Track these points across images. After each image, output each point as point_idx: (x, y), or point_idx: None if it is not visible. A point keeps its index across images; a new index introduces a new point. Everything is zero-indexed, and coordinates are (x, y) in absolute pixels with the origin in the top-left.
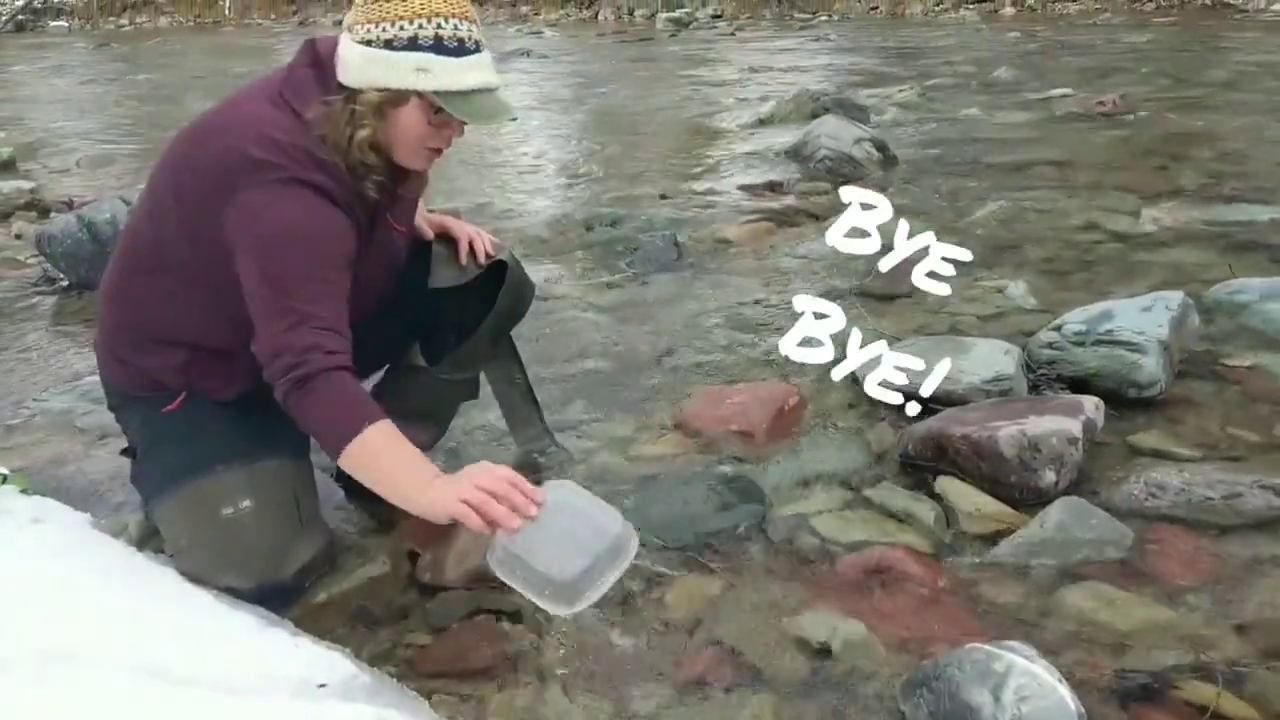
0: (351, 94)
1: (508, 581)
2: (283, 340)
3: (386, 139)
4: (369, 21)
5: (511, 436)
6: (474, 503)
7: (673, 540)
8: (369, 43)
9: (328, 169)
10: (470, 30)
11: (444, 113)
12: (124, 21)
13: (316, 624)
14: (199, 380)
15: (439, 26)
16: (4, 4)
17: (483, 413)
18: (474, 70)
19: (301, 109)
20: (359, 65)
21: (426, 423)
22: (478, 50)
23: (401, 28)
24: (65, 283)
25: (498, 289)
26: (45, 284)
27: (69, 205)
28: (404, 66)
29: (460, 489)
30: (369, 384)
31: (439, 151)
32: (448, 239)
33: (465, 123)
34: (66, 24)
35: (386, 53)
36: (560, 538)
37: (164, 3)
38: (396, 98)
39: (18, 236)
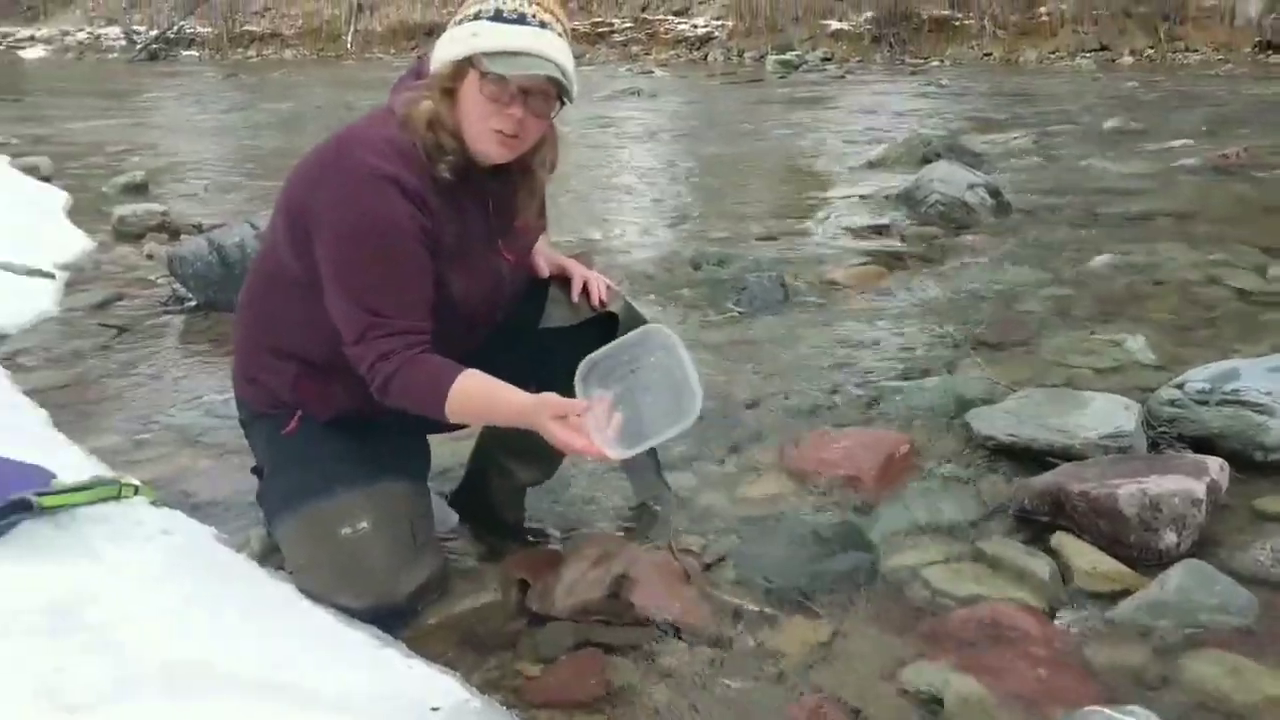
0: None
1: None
2: (357, 352)
3: (455, 121)
4: (456, 18)
5: (628, 480)
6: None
7: (780, 583)
8: (447, 29)
9: (406, 155)
10: (538, 11)
11: (493, 78)
12: (251, 53)
13: (427, 647)
14: (305, 397)
15: (504, 2)
16: (138, 34)
17: None
18: (525, 36)
19: (394, 103)
20: (437, 51)
21: (538, 461)
22: (542, 27)
23: (472, 7)
24: (194, 303)
25: (611, 335)
26: (174, 303)
27: (198, 229)
28: (461, 35)
29: (559, 439)
30: None
31: (511, 139)
32: (564, 280)
33: (525, 96)
34: (197, 54)
35: (455, 29)
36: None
37: (289, 36)
38: (457, 70)
39: (149, 257)
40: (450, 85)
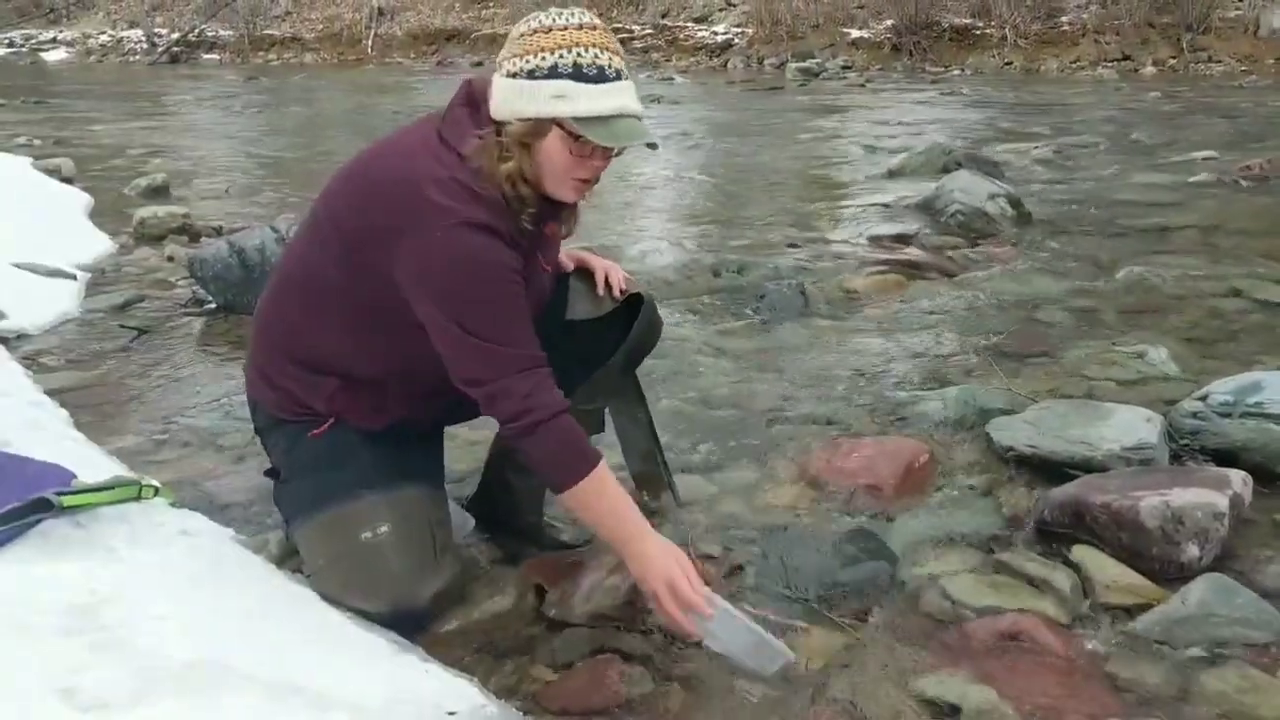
0: (500, 127)
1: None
2: (505, 387)
3: (534, 171)
4: (515, 55)
5: (629, 471)
6: (669, 596)
7: (799, 592)
8: (514, 75)
9: (490, 205)
10: (611, 60)
11: (584, 140)
12: (272, 56)
13: (444, 652)
14: (348, 408)
15: (579, 55)
16: (160, 36)
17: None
18: (612, 96)
19: (459, 146)
20: (505, 97)
21: None
22: (618, 78)
23: (543, 58)
24: (213, 305)
25: (628, 326)
26: (194, 306)
27: (219, 231)
28: (543, 94)
29: (669, 574)
30: None
31: (589, 183)
32: (585, 272)
33: (606, 148)
34: (218, 57)
35: (528, 82)
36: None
37: (310, 40)
38: (538, 128)
39: (170, 259)
40: (529, 141)
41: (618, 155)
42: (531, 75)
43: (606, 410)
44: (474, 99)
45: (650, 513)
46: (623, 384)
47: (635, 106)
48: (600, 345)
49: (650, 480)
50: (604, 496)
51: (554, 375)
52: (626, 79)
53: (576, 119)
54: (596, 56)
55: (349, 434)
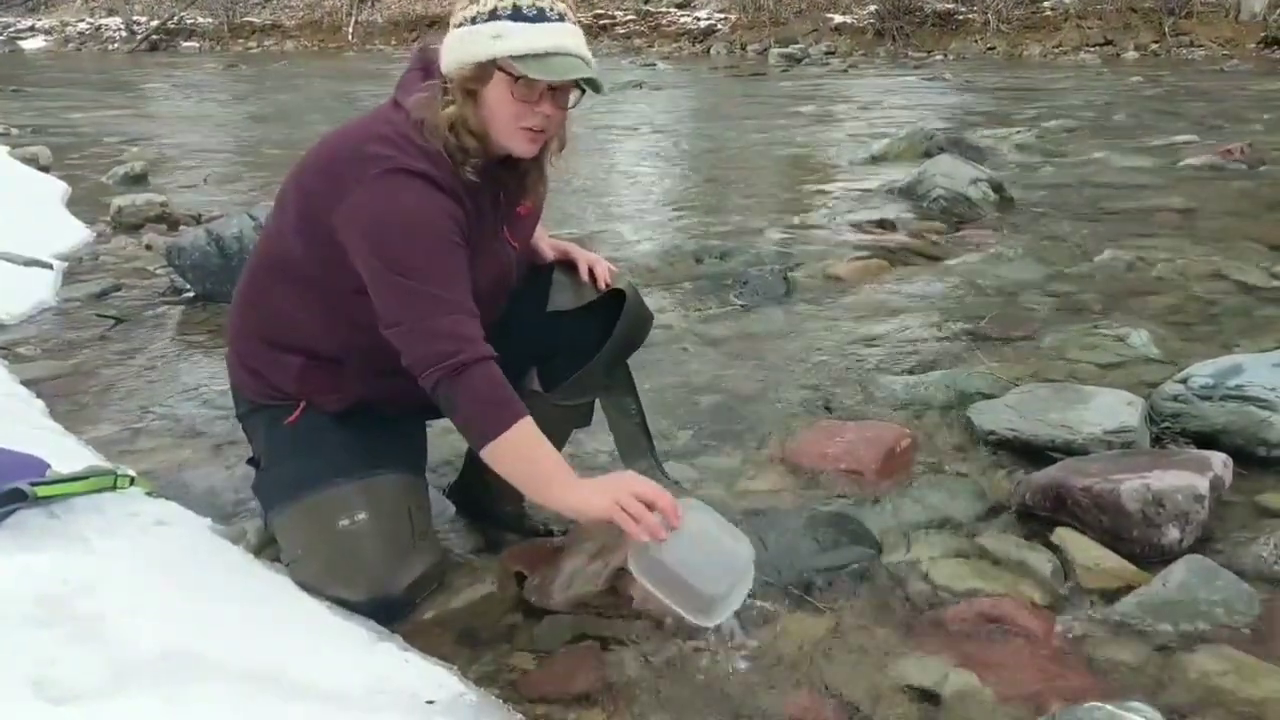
0: (446, 78)
1: (649, 587)
2: (429, 327)
3: (480, 122)
4: (461, 8)
5: (623, 464)
6: (630, 509)
7: (780, 577)
8: (459, 25)
9: (431, 156)
10: (554, 3)
11: (524, 81)
12: (252, 44)
13: (423, 640)
14: (312, 389)
15: (532, 7)
16: (139, 24)
17: (591, 438)
18: (551, 35)
19: (406, 104)
20: (450, 48)
21: None
22: (561, 20)
23: (485, 3)
24: (192, 294)
25: (616, 318)
26: (172, 294)
27: (197, 220)
28: (483, 37)
29: (616, 494)
30: None
31: (540, 133)
32: (568, 264)
33: (556, 94)
34: (197, 45)
35: (470, 28)
36: (704, 554)
37: (290, 27)
38: (480, 72)
39: (148, 247)
40: (473, 87)
41: (573, 107)
42: (474, 21)
43: (596, 402)
44: (426, 61)
45: None
46: (613, 376)
47: (574, 46)
48: (585, 337)
49: (644, 472)
50: (536, 448)
51: (533, 363)
52: (571, 23)
53: (513, 57)
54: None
55: (324, 420)
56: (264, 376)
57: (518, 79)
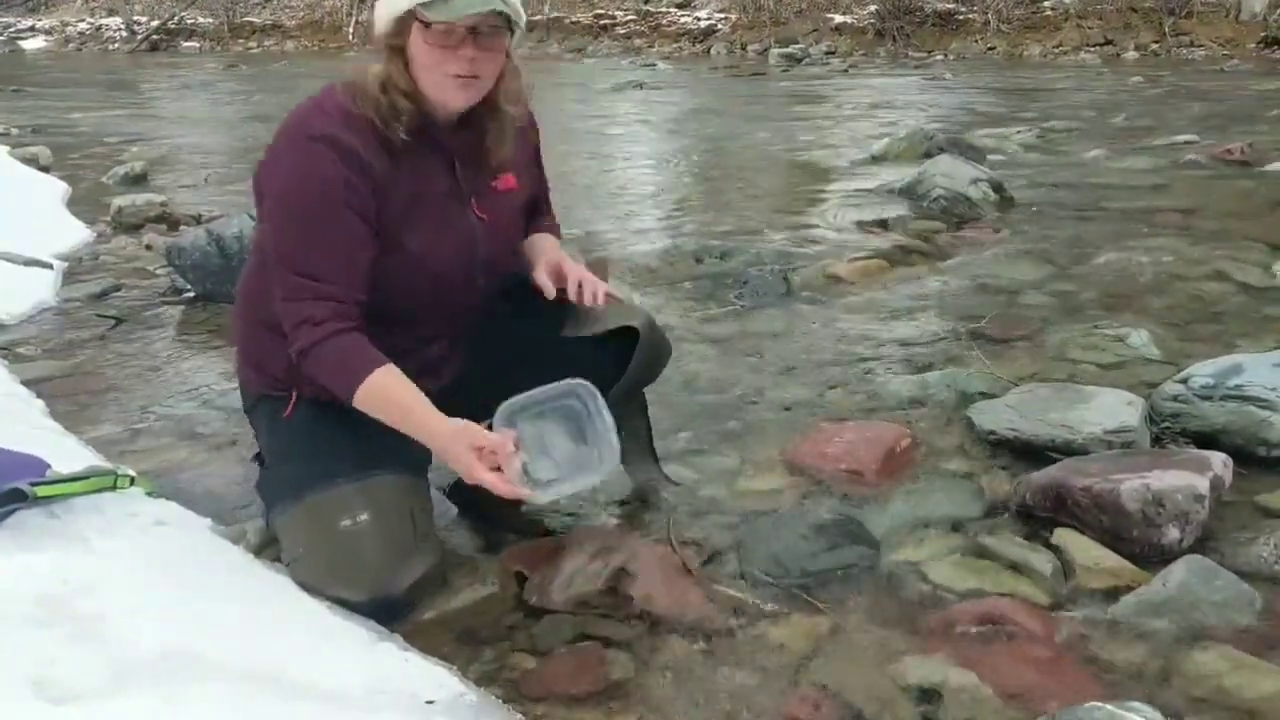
0: (378, 42)
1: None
2: (283, 309)
3: (410, 81)
4: None
5: (626, 471)
6: (484, 479)
7: (780, 577)
8: None
9: (354, 121)
10: None
11: (435, 27)
12: (252, 44)
13: (424, 640)
14: (295, 374)
15: None
16: (139, 24)
17: None
18: None
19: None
20: (378, 15)
21: None
22: None
23: None
24: (192, 294)
25: (634, 348)
26: (173, 294)
27: (197, 220)
28: None
29: (463, 458)
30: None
31: (471, 79)
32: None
33: (476, 37)
34: (197, 45)
35: None
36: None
37: (291, 27)
38: (399, 27)
39: (148, 247)
40: (396, 43)
41: (500, 50)
42: None
43: None
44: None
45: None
46: (626, 403)
47: None
48: (598, 368)
49: (648, 480)
50: (388, 400)
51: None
52: None
53: (422, 4)
54: None
55: (321, 416)
56: (261, 367)
57: (429, 26)
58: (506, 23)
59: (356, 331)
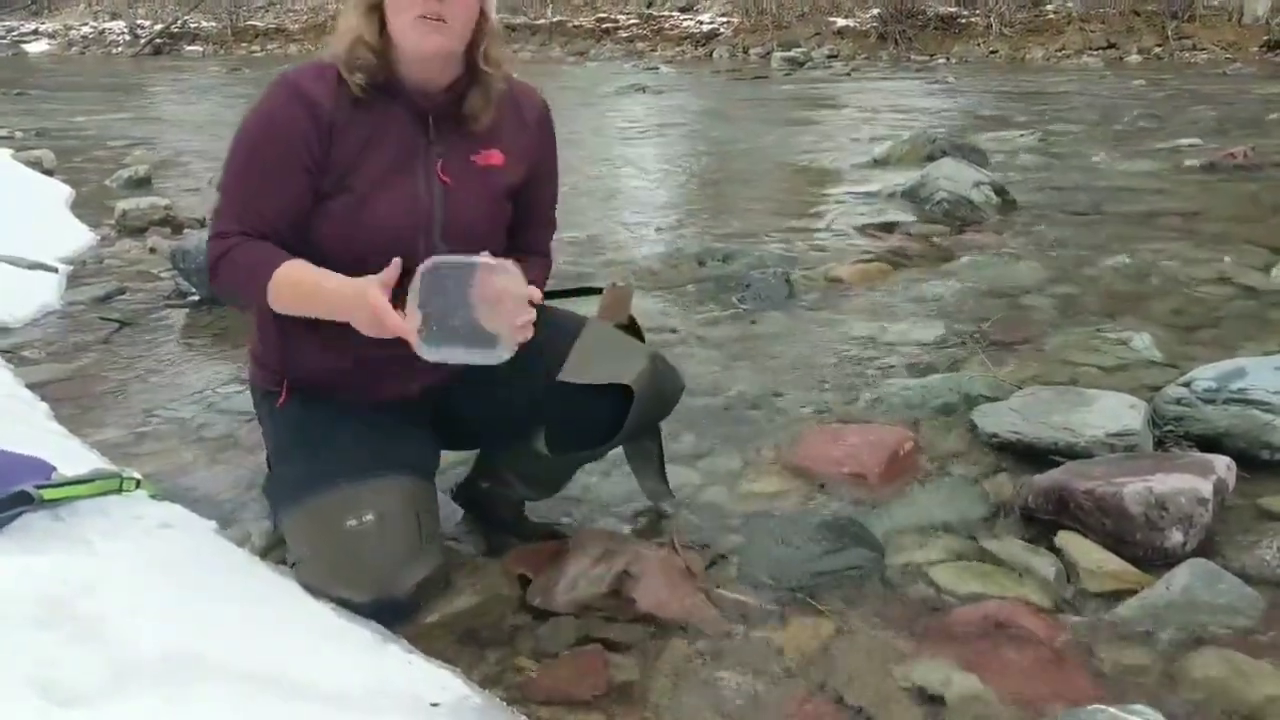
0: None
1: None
2: (208, 243)
3: (384, 38)
4: None
5: (638, 483)
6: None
7: (783, 580)
8: None
9: (324, 72)
10: None
11: None
12: (255, 48)
13: (427, 643)
14: (285, 356)
15: None
16: (143, 28)
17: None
18: None
19: None
20: None
21: (540, 485)
22: None
23: None
24: (196, 297)
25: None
26: (177, 298)
27: (201, 223)
28: None
29: (378, 319)
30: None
31: (437, 22)
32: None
33: None
34: (201, 49)
35: None
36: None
37: (294, 31)
38: None
39: (152, 250)
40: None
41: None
42: None
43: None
44: None
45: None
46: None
47: None
48: (596, 413)
49: (655, 493)
50: (298, 285)
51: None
52: None
53: None
54: None
55: (318, 411)
56: (261, 360)
57: None
58: None
59: (263, 240)
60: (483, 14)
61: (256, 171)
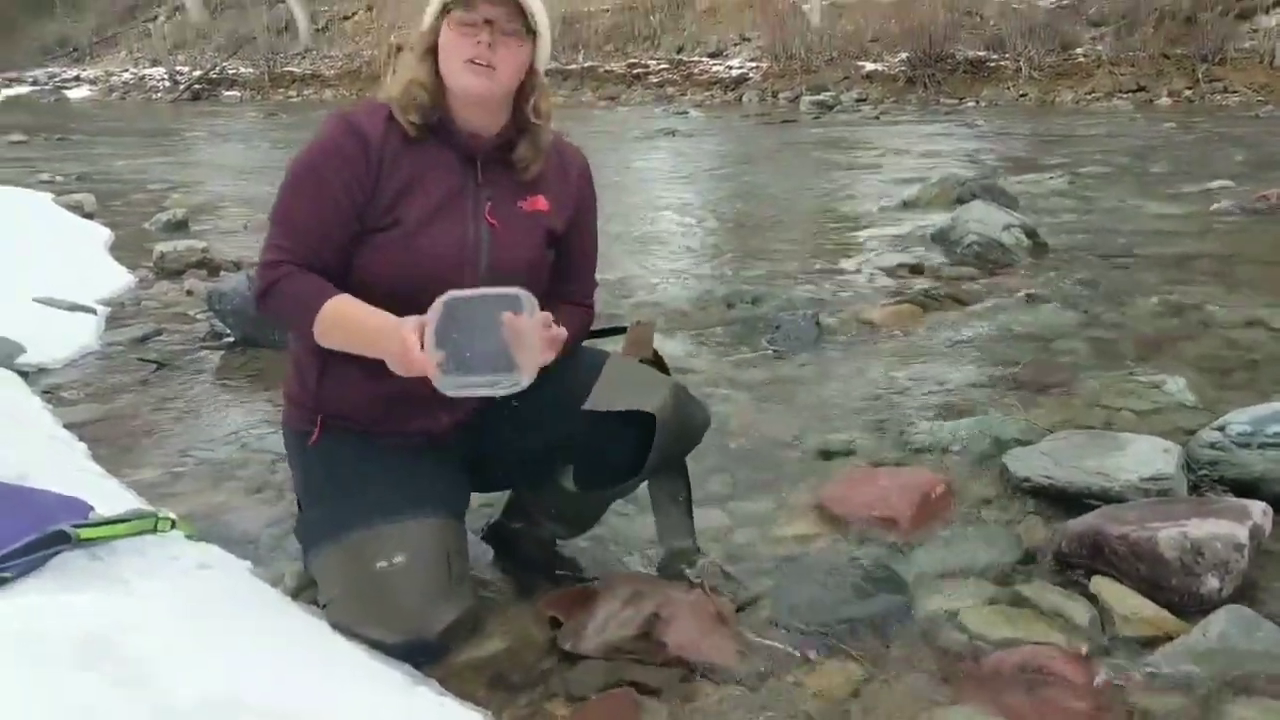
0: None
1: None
2: (257, 270)
3: (436, 81)
4: None
5: (659, 542)
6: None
7: (813, 624)
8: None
9: (378, 109)
10: None
11: (457, 11)
12: (292, 93)
13: (458, 685)
14: (325, 391)
15: None
16: (182, 74)
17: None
18: None
19: None
20: (423, 24)
21: (571, 523)
22: None
23: None
24: (232, 339)
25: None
26: (213, 339)
27: (237, 265)
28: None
29: (406, 356)
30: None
31: (485, 69)
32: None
33: (490, 25)
34: (238, 94)
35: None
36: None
37: (330, 77)
38: (435, 24)
39: (189, 293)
40: (430, 42)
41: (518, 50)
42: None
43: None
44: None
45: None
46: (664, 470)
47: None
48: (623, 443)
49: (680, 553)
50: (344, 319)
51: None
52: None
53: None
54: None
55: (350, 451)
56: (296, 399)
57: (450, 10)
58: (524, 24)
59: (312, 272)
60: (532, 68)
61: (307, 200)
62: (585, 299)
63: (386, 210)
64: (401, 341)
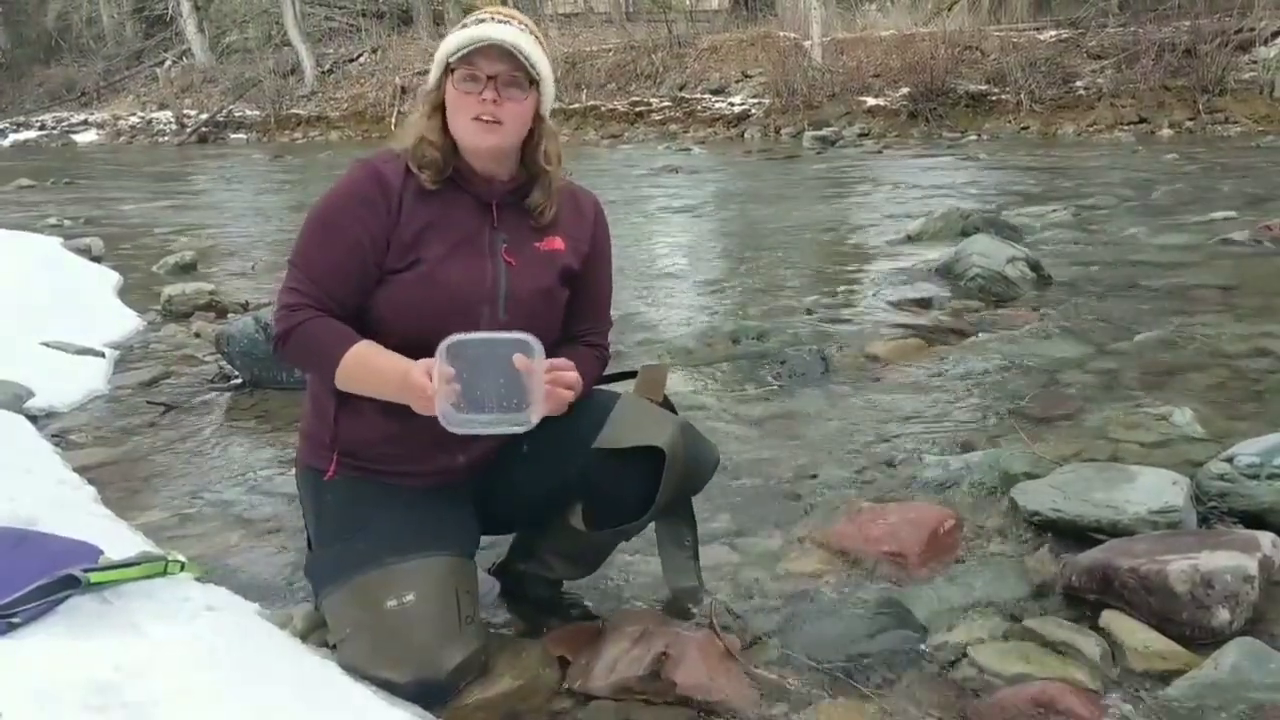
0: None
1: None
2: (280, 303)
3: (444, 135)
4: None
5: (664, 577)
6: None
7: (823, 662)
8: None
9: (394, 155)
10: (497, 14)
11: (459, 70)
12: (298, 135)
13: None
14: (343, 428)
15: (475, 20)
16: (189, 117)
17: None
18: (480, 28)
19: None
20: (429, 80)
21: (578, 565)
22: (499, 22)
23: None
24: (239, 380)
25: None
26: (221, 381)
27: (245, 307)
28: (438, 56)
29: (418, 396)
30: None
31: (490, 124)
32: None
33: (492, 81)
34: (245, 137)
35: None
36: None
37: (335, 118)
38: (440, 81)
39: (197, 335)
40: (438, 99)
41: (522, 101)
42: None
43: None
44: None
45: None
46: (671, 508)
47: (500, 34)
48: (633, 483)
49: (686, 593)
50: (365, 365)
51: (578, 496)
52: (512, 25)
53: (449, 54)
54: (480, 17)
55: (364, 490)
56: (310, 435)
57: (453, 70)
58: (525, 75)
59: (331, 316)
60: (538, 115)
61: (328, 244)
62: (600, 339)
63: (407, 250)
64: (414, 386)
